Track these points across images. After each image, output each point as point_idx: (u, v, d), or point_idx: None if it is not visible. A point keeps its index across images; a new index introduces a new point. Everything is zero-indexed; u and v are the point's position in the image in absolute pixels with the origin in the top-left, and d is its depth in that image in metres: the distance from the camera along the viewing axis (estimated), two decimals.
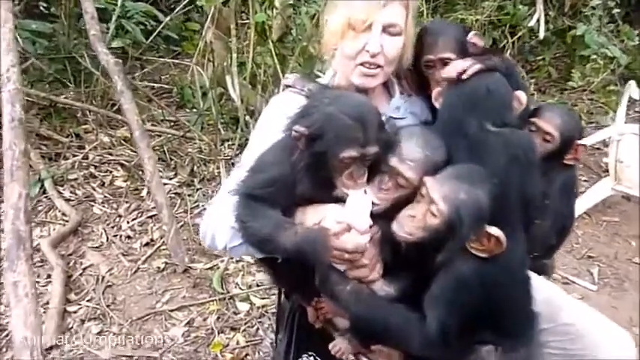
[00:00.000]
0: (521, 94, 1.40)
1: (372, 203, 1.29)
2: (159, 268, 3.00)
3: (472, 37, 1.61)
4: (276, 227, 1.27)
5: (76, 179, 3.85)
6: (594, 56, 4.94)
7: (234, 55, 3.73)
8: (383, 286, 1.33)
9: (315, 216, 1.32)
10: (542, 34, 5.30)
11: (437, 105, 1.47)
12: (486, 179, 1.21)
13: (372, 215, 1.28)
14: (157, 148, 4.27)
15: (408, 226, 1.24)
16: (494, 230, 1.18)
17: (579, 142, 1.66)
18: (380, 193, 1.31)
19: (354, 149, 1.24)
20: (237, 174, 1.43)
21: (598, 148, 4.32)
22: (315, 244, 1.22)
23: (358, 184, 1.29)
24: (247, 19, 3.82)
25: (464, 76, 1.39)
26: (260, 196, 1.30)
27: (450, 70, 1.42)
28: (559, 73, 5.98)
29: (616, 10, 5.19)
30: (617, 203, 3.76)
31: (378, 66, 1.56)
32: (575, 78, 5.38)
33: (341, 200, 1.30)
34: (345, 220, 1.26)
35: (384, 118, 1.58)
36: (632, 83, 3.74)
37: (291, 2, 4.03)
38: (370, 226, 1.28)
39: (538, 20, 5.21)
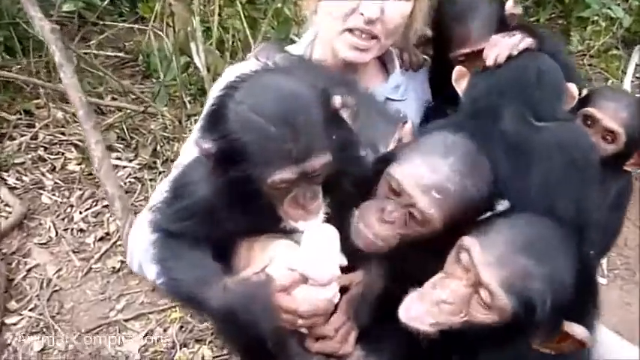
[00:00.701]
0: (573, 87, 1.11)
1: (363, 236, 0.89)
2: (114, 268, 2.64)
3: (511, 6, 1.23)
4: (197, 281, 0.90)
5: (22, 163, 3.42)
6: (595, 17, 4.55)
7: (198, 19, 3.27)
8: None
9: (263, 255, 0.95)
10: None
11: (458, 88, 1.11)
12: (570, 247, 0.83)
13: (357, 255, 0.91)
14: (117, 125, 3.84)
15: (436, 314, 0.83)
16: (578, 331, 0.81)
17: None
18: (380, 224, 0.88)
19: (286, 169, 0.84)
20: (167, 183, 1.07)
21: None
22: (253, 304, 0.85)
23: (309, 211, 0.89)
24: None
25: (514, 52, 1.08)
26: (179, 233, 0.93)
27: (496, 53, 1.09)
28: (555, 36, 5.60)
29: None
30: None
31: (373, 37, 1.18)
32: (574, 41, 5.00)
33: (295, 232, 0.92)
34: (298, 267, 0.88)
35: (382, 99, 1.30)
36: None
37: None
38: (342, 272, 0.91)
39: None
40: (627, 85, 3.32)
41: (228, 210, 0.91)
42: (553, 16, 5.80)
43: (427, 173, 0.85)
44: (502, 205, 0.93)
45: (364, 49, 1.21)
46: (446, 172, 0.85)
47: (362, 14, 1.15)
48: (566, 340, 0.82)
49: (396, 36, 1.27)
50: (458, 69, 1.16)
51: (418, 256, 0.92)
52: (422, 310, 0.83)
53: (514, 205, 0.93)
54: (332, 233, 0.91)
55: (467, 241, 0.84)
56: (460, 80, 1.13)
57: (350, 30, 1.19)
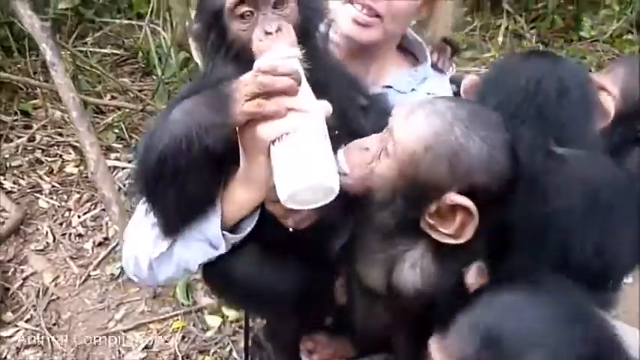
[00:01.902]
0: (607, 101, 0.95)
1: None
2: (113, 275, 2.54)
3: None
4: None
5: (19, 166, 3.33)
6: (608, 1, 4.38)
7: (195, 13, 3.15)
8: None
9: None
10: None
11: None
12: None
13: None
14: (116, 124, 3.74)
15: None
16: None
17: None
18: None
19: None
20: None
21: None
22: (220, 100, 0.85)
23: (275, 36, 0.86)
24: None
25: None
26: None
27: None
28: (564, 22, 5.42)
29: None
30: None
31: (376, 14, 1.09)
32: (586, 27, 4.84)
33: None
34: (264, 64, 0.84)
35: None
36: None
37: None
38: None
39: None
40: None
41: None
42: (562, 1, 5.65)
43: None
44: (471, 274, 0.77)
45: (365, 24, 1.12)
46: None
47: None
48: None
49: (403, 21, 1.18)
50: (469, 78, 0.99)
51: None
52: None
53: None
54: (293, 51, 0.86)
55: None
56: (469, 92, 0.96)
57: (352, 2, 1.11)
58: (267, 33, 0.87)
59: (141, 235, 1.05)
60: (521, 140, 0.82)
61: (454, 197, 0.75)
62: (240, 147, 0.90)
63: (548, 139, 0.84)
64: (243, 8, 0.89)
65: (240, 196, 0.95)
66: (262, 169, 0.87)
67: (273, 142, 0.83)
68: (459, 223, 0.76)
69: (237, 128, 0.87)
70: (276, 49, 0.86)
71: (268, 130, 0.82)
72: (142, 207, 1.08)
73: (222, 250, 0.98)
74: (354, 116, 1.04)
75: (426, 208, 0.78)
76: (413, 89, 1.24)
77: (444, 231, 0.78)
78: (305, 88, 0.85)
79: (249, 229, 0.98)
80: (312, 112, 0.84)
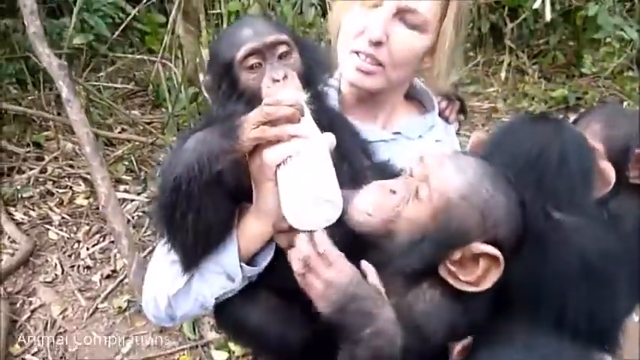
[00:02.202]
0: (609, 169, 0.97)
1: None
2: (120, 308, 2.55)
3: None
4: None
5: (30, 197, 3.38)
6: (608, 39, 4.48)
7: (206, 51, 3.25)
8: None
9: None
10: (548, 17, 4.83)
11: None
12: None
13: None
14: (126, 157, 3.81)
15: None
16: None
17: None
18: (383, 195, 0.87)
19: (248, 43, 0.97)
20: None
21: None
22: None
23: (282, 83, 0.95)
24: (220, 8, 3.34)
25: None
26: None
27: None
28: (566, 59, 5.53)
29: None
30: None
31: (378, 63, 1.12)
32: (587, 63, 4.94)
33: None
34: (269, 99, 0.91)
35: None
36: None
37: None
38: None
39: (543, 1, 4.78)
40: None
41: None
42: (563, 38, 5.76)
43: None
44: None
45: (367, 71, 1.15)
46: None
47: (366, 35, 1.11)
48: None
49: (405, 69, 1.20)
50: (475, 135, 1.04)
51: None
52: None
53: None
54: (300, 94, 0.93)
55: None
56: (476, 148, 1.00)
57: (357, 52, 1.15)
58: (275, 80, 0.95)
59: (160, 274, 1.09)
60: (527, 204, 0.85)
61: (482, 246, 0.79)
62: (251, 180, 0.95)
63: (547, 203, 0.88)
64: (252, 60, 0.97)
65: (252, 228, 0.98)
66: (271, 197, 0.92)
67: (279, 166, 0.88)
68: (481, 272, 0.79)
69: (247, 158, 0.92)
70: (283, 93, 0.93)
71: (272, 154, 0.87)
72: (161, 248, 1.11)
73: (238, 282, 1.00)
74: (356, 161, 1.08)
75: (450, 254, 0.80)
76: (420, 136, 1.28)
77: (463, 278, 0.80)
78: (308, 119, 0.91)
79: (264, 263, 1.01)
80: (315, 139, 0.90)
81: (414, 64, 1.20)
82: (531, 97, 4.81)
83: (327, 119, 1.02)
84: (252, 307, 1.08)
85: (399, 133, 1.26)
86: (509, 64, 5.44)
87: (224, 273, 1.00)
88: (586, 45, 5.19)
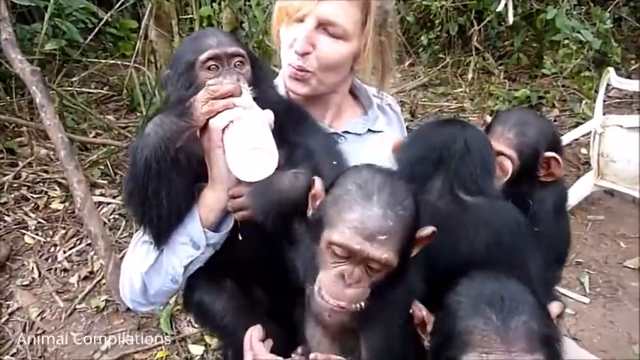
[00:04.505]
0: (505, 161, 1.12)
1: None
2: (98, 307, 2.61)
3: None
4: None
5: (5, 203, 3.40)
6: (566, 41, 4.69)
7: None
8: None
9: None
10: (511, 20, 5.04)
11: (394, 158, 1.13)
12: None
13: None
14: (101, 160, 3.85)
15: None
16: None
17: (549, 154, 1.26)
18: (348, 289, 0.88)
19: (211, 50, 1.12)
20: None
21: (575, 139, 4.08)
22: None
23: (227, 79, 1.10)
24: (192, 13, 3.41)
25: None
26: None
27: None
28: (529, 60, 5.75)
29: None
30: (600, 199, 3.54)
31: (307, 71, 1.24)
32: (547, 64, 5.15)
33: None
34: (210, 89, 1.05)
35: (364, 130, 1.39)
36: (611, 70, 3.50)
37: None
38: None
39: (506, 5, 4.97)
40: (599, 105, 3.41)
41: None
42: (527, 40, 5.99)
43: (364, 223, 0.84)
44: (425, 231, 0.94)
45: (300, 78, 1.26)
46: (379, 212, 0.85)
47: (294, 48, 1.22)
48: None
49: (335, 74, 1.29)
50: (395, 140, 1.17)
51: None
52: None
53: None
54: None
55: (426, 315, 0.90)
56: (395, 149, 1.13)
57: (289, 64, 1.26)
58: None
59: (132, 258, 1.19)
60: (435, 188, 1.03)
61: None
62: (205, 155, 1.08)
63: (457, 187, 1.02)
64: (212, 63, 1.12)
65: (208, 198, 1.10)
66: (221, 163, 1.05)
67: (224, 131, 1.03)
68: None
69: (198, 135, 1.06)
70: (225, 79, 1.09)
71: (218, 120, 1.03)
72: (133, 240, 1.21)
73: (203, 248, 1.11)
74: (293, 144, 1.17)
75: None
76: (369, 129, 1.40)
77: None
78: (248, 97, 1.08)
79: (225, 230, 1.13)
80: (255, 109, 1.06)
81: (343, 68, 1.29)
82: (496, 97, 5.00)
83: (269, 106, 1.13)
84: (217, 293, 1.20)
85: (347, 132, 1.38)
86: (475, 65, 5.64)
87: (190, 242, 1.11)
88: (547, 47, 5.42)
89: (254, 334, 1.05)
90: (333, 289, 0.89)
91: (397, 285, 0.92)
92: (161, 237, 1.11)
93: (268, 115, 1.07)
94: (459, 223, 0.99)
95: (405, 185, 0.92)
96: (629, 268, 2.90)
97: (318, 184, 0.97)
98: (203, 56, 1.11)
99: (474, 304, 0.83)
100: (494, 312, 0.80)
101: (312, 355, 0.95)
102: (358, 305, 0.89)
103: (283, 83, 1.36)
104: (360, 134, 1.39)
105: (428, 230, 0.91)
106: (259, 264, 1.16)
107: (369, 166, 0.95)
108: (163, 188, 1.05)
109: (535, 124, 1.29)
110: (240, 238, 1.13)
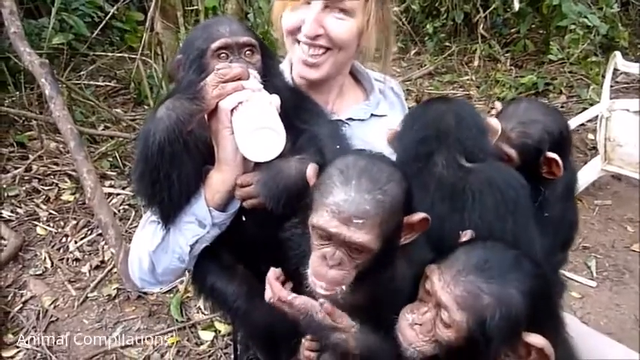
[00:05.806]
0: (494, 122, 1.13)
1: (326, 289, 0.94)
2: (110, 295, 2.66)
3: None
4: None
5: (17, 195, 3.45)
6: (572, 26, 4.65)
7: None
8: None
9: None
10: (517, 6, 5.01)
11: (392, 148, 1.16)
12: (521, 264, 0.86)
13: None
14: (110, 153, 3.90)
15: (413, 337, 0.89)
16: (536, 340, 0.84)
17: (550, 155, 1.24)
18: (330, 270, 0.91)
19: (223, 38, 1.14)
20: None
21: (582, 124, 4.06)
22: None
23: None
24: (197, 4, 3.43)
25: None
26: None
27: None
28: (536, 46, 5.72)
29: None
30: (607, 184, 3.53)
31: (325, 48, 1.28)
32: (554, 50, 5.12)
33: None
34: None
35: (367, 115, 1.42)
36: (618, 54, 3.48)
37: None
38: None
39: None
40: (606, 89, 3.40)
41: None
42: (533, 27, 5.95)
43: (341, 206, 0.86)
44: (466, 236, 0.97)
45: (312, 64, 1.29)
46: (356, 196, 0.86)
47: (303, 32, 1.25)
48: (530, 353, 0.85)
49: (347, 51, 1.32)
50: (389, 131, 1.19)
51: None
52: (404, 333, 0.90)
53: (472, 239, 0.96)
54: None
55: (429, 268, 0.91)
56: (393, 139, 1.16)
57: (298, 42, 1.28)
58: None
59: (140, 238, 1.23)
60: (440, 161, 1.07)
61: None
62: (213, 138, 1.11)
63: (460, 157, 1.06)
64: (223, 51, 1.14)
65: (215, 179, 1.13)
66: (229, 144, 1.07)
67: (232, 113, 1.06)
68: None
69: (206, 118, 1.09)
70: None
71: (227, 101, 1.05)
72: (142, 220, 1.25)
73: (209, 227, 1.14)
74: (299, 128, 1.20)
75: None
76: (372, 114, 1.42)
77: None
78: (256, 81, 1.11)
79: (232, 210, 1.15)
80: (263, 92, 1.09)
81: (352, 46, 1.32)
82: (503, 84, 4.98)
83: (277, 92, 1.15)
84: (229, 278, 1.24)
85: (351, 118, 1.40)
86: (482, 53, 5.61)
87: (195, 221, 1.14)
88: (554, 33, 5.38)
89: (272, 275, 1.05)
90: (316, 270, 0.93)
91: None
92: (169, 217, 1.14)
93: (275, 100, 1.10)
94: (466, 188, 1.03)
95: (390, 171, 0.92)
96: (636, 251, 2.90)
97: (311, 169, 0.99)
98: (214, 45, 1.13)
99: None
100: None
101: (321, 299, 0.95)
102: (341, 288, 0.92)
103: (289, 69, 1.38)
104: (363, 120, 1.41)
105: (418, 216, 0.92)
106: (269, 248, 1.19)
107: (358, 152, 0.97)
108: (175, 170, 1.08)
109: (541, 121, 1.27)
110: (244, 219, 1.15)
